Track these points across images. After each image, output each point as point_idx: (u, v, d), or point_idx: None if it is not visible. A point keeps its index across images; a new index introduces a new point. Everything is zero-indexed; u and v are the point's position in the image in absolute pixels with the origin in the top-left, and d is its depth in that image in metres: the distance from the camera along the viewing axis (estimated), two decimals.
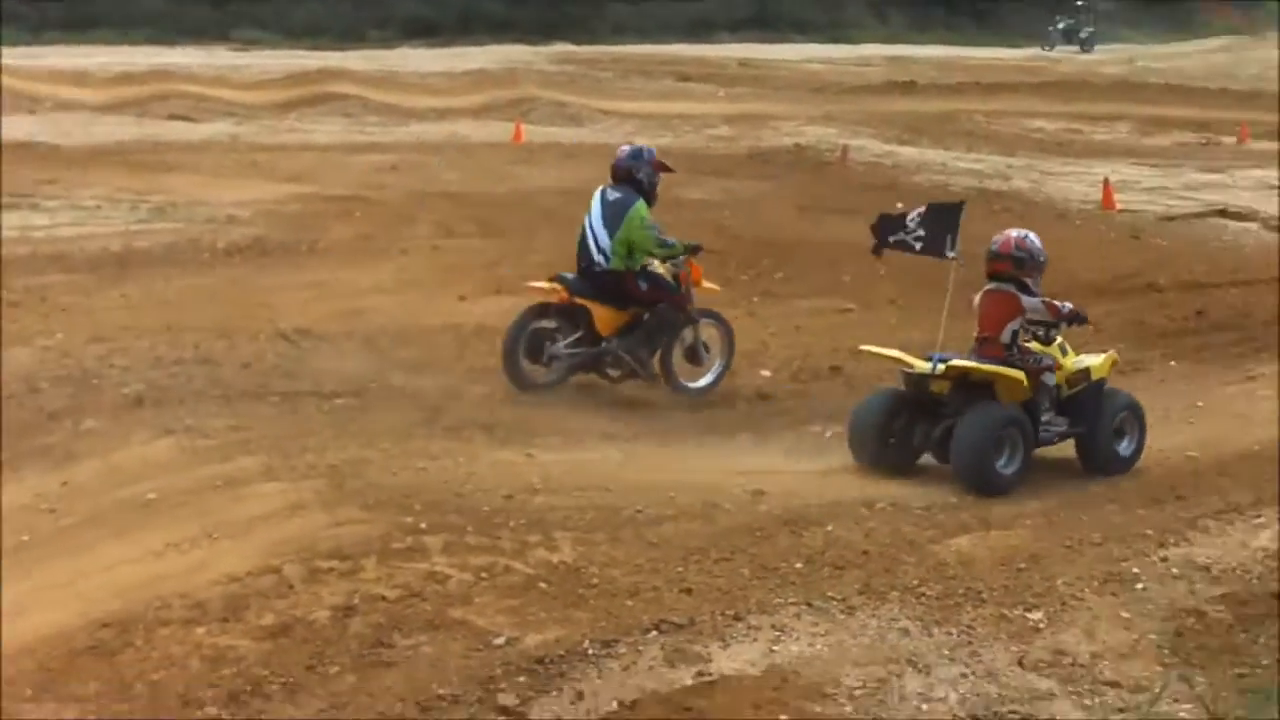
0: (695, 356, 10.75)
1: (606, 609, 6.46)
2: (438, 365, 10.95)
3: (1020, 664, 6.21)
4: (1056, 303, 9.43)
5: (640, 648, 6.09)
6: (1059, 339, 9.45)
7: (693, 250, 10.77)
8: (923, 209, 9.80)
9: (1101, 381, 9.46)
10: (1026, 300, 9.21)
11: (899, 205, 18.29)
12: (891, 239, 9.77)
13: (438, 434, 9.20)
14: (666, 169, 11.07)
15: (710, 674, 5.96)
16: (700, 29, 49.64)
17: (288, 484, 7.96)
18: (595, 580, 6.78)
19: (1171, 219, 18.74)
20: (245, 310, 12.29)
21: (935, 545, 7.57)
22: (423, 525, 7.32)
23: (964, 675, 6.08)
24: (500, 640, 6.11)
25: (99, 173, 20.12)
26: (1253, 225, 18.55)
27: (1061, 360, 9.33)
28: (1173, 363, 12.09)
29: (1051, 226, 17.64)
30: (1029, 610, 6.66)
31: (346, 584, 6.60)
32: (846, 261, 14.85)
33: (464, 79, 33.64)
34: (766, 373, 11.25)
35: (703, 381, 10.73)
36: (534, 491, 8.09)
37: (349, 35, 46.34)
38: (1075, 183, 21.27)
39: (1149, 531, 7.76)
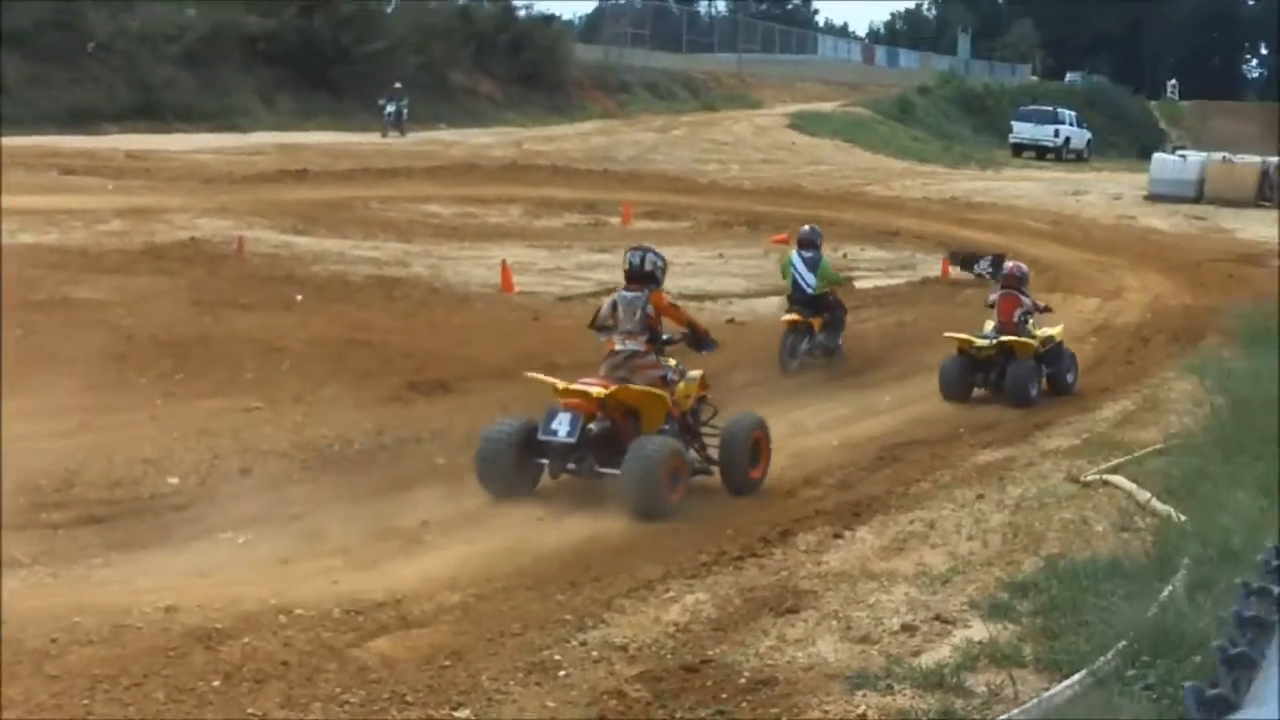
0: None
1: None
2: None
3: None
4: (1038, 302, 16.04)
5: None
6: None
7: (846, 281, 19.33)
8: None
9: (1060, 341, 15.95)
10: (1024, 299, 15.64)
11: (299, 298, 18.34)
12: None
13: None
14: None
15: None
16: (82, 119, 47.77)
17: None
18: None
19: (569, 299, 19.43)
20: None
21: (356, 650, 7.48)
22: None
23: None
24: None
25: None
26: None
27: (1037, 333, 15.62)
28: None
29: (454, 312, 18.05)
30: (455, 709, 6.66)
31: None
32: (248, 358, 14.61)
33: None
34: (174, 480, 10.83)
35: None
36: None
37: None
38: (474, 266, 21.73)
39: (568, 616, 7.94)
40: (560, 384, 10.93)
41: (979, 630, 7.85)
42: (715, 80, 70.44)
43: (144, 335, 15.74)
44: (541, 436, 10.66)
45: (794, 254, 16.96)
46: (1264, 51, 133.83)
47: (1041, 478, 11.51)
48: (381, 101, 46.54)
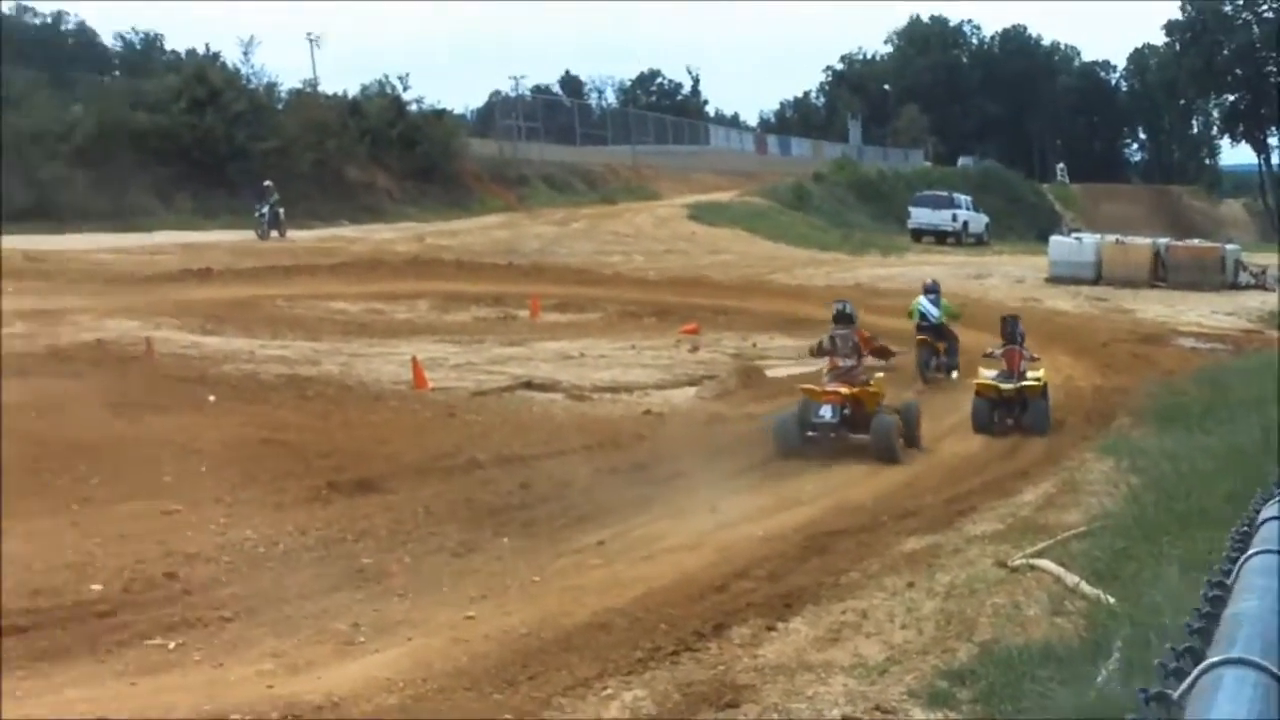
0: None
1: None
2: None
3: None
4: (1030, 353, 19.61)
5: None
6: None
7: (960, 315, 24.47)
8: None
9: (1045, 383, 19.47)
10: (1023, 351, 19.24)
11: (211, 398, 18.18)
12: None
13: None
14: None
15: None
16: None
17: None
18: None
19: (483, 394, 19.41)
20: None
21: None
22: None
23: None
24: None
25: None
26: (558, 395, 19.54)
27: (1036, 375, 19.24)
28: (505, 539, 12.42)
29: (369, 410, 17.95)
30: None
31: None
32: (166, 460, 14.45)
33: None
34: (97, 586, 10.66)
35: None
36: None
37: None
38: (385, 363, 21.63)
39: (507, 716, 7.90)
40: (817, 388, 17.14)
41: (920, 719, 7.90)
42: (612, 172, 70.91)
43: (57, 439, 15.52)
44: (813, 419, 16.85)
45: (921, 298, 23.54)
46: (1142, 135, 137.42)
47: (970, 564, 11.61)
48: (256, 204, 46.00)
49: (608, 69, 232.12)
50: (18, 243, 39.73)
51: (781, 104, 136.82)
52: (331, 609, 10.20)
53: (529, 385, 20.06)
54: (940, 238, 61.19)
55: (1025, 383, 18.90)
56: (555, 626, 9.89)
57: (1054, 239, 46.46)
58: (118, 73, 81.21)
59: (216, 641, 9.59)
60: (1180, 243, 46.11)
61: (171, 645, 9.45)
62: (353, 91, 64.06)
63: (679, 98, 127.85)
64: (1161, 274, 41.63)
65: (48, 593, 10.49)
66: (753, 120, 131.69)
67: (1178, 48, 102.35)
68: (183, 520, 12.58)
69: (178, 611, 10.08)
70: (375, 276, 33.58)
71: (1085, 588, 10.05)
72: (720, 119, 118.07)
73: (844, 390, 17.07)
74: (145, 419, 16.70)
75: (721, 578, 11.47)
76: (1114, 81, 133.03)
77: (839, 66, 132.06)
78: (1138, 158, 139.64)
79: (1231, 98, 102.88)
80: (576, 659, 9.07)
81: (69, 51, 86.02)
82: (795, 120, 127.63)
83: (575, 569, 11.57)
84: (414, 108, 60.76)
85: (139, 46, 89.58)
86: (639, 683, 8.66)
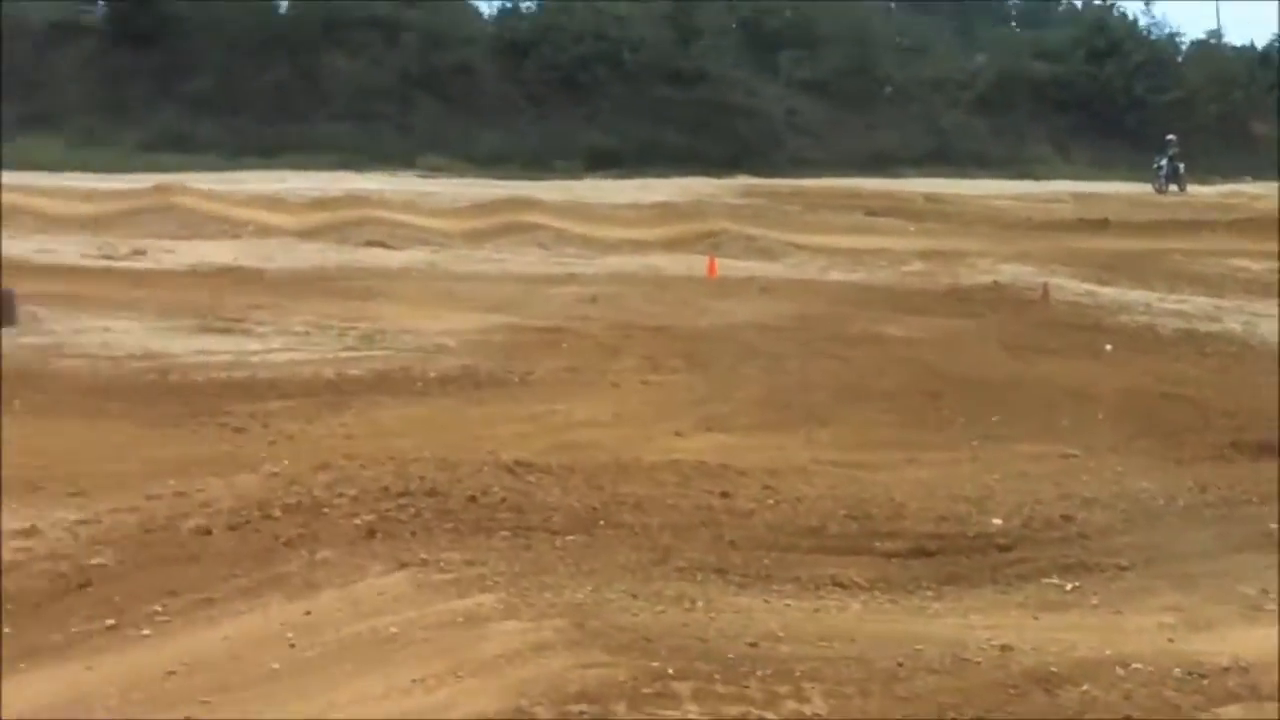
0: None
1: None
2: (662, 503, 10.80)
3: None
4: None
5: None
6: None
7: None
8: None
9: None
10: None
11: (1108, 347, 18.14)
12: None
13: (672, 575, 9.06)
14: None
15: None
16: (880, 163, 49.61)
17: (528, 623, 7.84)
18: None
19: None
20: (465, 441, 12.30)
21: (1203, 714, 7.20)
22: (669, 670, 7.15)
23: None
24: None
25: (304, 299, 20.53)
26: None
27: None
28: None
29: (1273, 371, 17.20)
30: None
31: None
32: (1063, 405, 14.58)
33: (651, 211, 33.91)
34: (998, 520, 10.92)
35: None
36: (777, 640, 7.88)
37: (533, 164, 47.07)
38: None
39: None
40: None
41: None
42: None
43: (955, 375, 16.09)
44: None
45: None
46: None
47: None
48: (1155, 156, 45.19)
49: None
50: (918, 185, 41.52)
51: None
52: (1234, 570, 9.85)
53: None
54: None
55: None
56: None
57: None
58: (1015, 25, 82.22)
59: (1113, 588, 9.53)
60: None
61: (1068, 586, 9.49)
62: (1261, 43, 61.37)
63: None
64: None
65: (952, 520, 10.86)
66: None
67: None
68: (1079, 465, 12.63)
69: (1074, 554, 10.11)
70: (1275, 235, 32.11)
71: None
72: None
73: None
74: (1040, 362, 16.96)
75: None
76: None
77: None
78: None
79: None
80: None
81: (973, 4, 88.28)
82: None
83: None
84: None
85: None
86: None
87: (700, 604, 8.50)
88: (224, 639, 7.50)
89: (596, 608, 8.21)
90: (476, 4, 63.61)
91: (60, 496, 9.80)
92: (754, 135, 53.39)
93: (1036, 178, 46.63)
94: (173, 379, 14.56)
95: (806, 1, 61.19)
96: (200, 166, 40.34)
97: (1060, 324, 19.80)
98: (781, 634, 7.99)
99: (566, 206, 33.42)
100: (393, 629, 7.85)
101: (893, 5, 76.91)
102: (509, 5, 62.76)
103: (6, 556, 8.47)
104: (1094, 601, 9.29)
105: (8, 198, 29.28)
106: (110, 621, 7.61)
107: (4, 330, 16.00)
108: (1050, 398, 14.88)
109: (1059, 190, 40.95)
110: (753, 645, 7.73)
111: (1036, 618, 8.90)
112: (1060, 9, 78.01)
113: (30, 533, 8.90)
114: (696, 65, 57.89)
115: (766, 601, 8.71)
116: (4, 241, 23.70)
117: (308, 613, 8.05)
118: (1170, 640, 8.49)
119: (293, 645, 7.61)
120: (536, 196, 35.12)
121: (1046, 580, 9.71)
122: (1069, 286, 23.24)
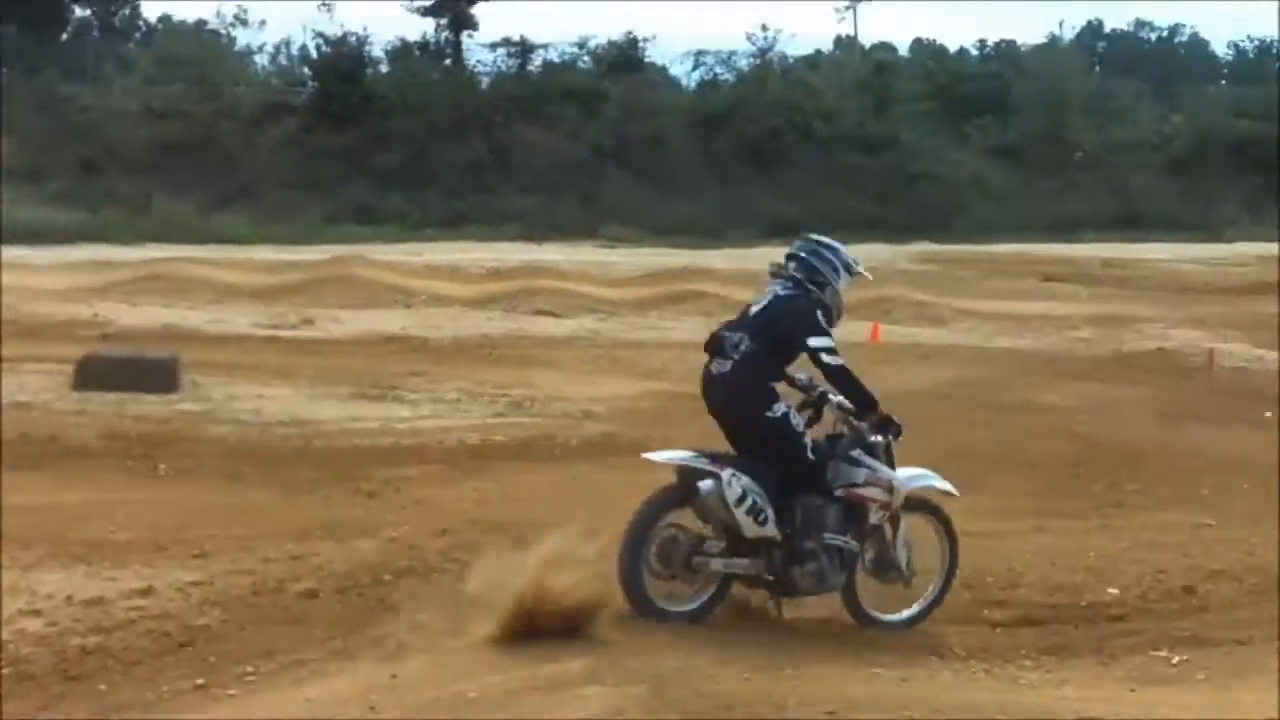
0: None
1: None
2: None
3: None
4: None
5: None
6: None
7: None
8: None
9: None
10: None
11: (1268, 414, 17.64)
12: None
13: (768, 644, 9.07)
14: None
15: None
16: (1066, 228, 48.95)
17: (610, 688, 7.92)
18: None
19: None
20: (593, 508, 12.40)
21: None
22: None
23: None
24: None
25: (463, 366, 20.90)
26: None
27: None
28: None
29: None
30: None
31: None
32: (1206, 473, 14.28)
33: None
34: (1114, 590, 10.74)
35: None
36: (855, 707, 7.85)
37: (713, 233, 47.29)
38: None
39: None
40: None
41: None
42: None
43: (1102, 443, 15.85)
44: None
45: None
46: None
47: None
48: None
49: None
50: (1098, 250, 40.84)
51: None
52: None
53: None
54: None
55: None
56: None
57: None
58: (1225, 80, 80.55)
59: (1225, 662, 9.29)
60: None
61: (1175, 659, 9.29)
62: None
63: None
64: None
65: (1067, 589, 10.72)
66: None
67: None
68: (1212, 535, 12.35)
69: (1189, 626, 9.91)
70: None
71: None
72: None
73: None
74: (1193, 429, 16.65)
75: None
76: None
77: None
78: None
79: None
80: None
81: (1179, 63, 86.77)
82: None
83: None
84: None
85: (1251, 54, 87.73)
86: None
87: (788, 670, 8.50)
88: (306, 700, 7.69)
89: (681, 674, 8.24)
90: (678, 76, 64.63)
91: (183, 558, 10.13)
92: (939, 201, 53.13)
93: (1225, 240, 45.59)
94: (316, 445, 14.94)
95: (1004, 67, 60.90)
96: (383, 239, 41.34)
97: (1222, 390, 19.36)
98: (863, 701, 7.97)
99: (736, 275, 33.49)
100: (472, 694, 7.98)
101: (1097, 68, 76.08)
102: (709, 76, 63.67)
103: (120, 615, 8.81)
104: (1200, 676, 9.08)
105: (193, 270, 30.48)
106: (200, 681, 7.86)
107: (164, 396, 16.60)
108: (1195, 466, 14.59)
109: (1244, 253, 39.92)
110: (830, 713, 7.72)
111: (1133, 690, 8.72)
112: (1278, 64, 75.42)
113: (146, 593, 9.22)
114: (887, 133, 57.92)
115: (854, 669, 8.68)
116: (182, 313, 24.65)
117: (393, 676, 8.24)
118: (1273, 718, 8.27)
119: (372, 708, 7.79)
120: (709, 265, 35.31)
121: (1155, 653, 9.50)
122: (1239, 352, 22.68)
